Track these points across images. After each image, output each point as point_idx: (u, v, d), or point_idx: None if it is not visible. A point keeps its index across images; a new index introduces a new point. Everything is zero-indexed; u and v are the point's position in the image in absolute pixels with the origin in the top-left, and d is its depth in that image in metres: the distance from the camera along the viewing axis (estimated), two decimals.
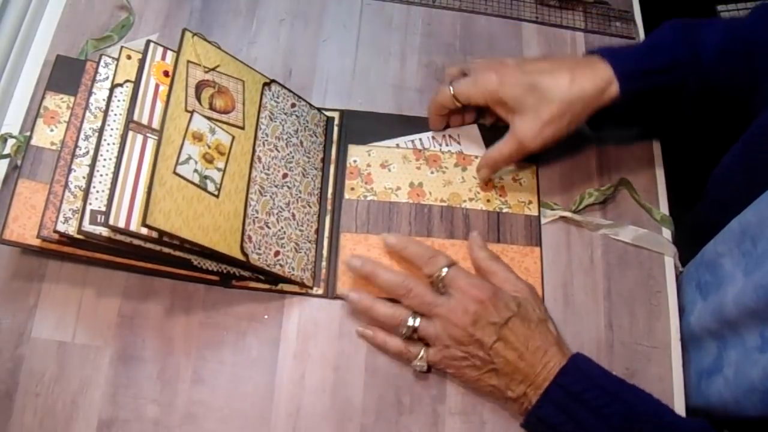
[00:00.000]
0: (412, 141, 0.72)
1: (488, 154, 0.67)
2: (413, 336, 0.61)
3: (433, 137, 0.72)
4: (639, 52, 0.64)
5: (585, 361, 0.58)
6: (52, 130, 0.65)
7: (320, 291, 0.65)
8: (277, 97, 0.69)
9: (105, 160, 0.59)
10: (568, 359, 0.58)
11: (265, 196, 0.63)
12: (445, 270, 0.61)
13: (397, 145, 0.71)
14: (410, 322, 0.60)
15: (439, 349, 0.60)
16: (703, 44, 0.63)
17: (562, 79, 0.62)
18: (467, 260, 0.66)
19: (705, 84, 0.63)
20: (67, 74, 0.67)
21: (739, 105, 0.65)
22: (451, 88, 0.67)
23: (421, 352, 0.60)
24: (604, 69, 0.62)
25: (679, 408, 0.62)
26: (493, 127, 0.72)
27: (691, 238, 0.70)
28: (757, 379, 0.55)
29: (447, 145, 0.72)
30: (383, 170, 0.70)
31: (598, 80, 0.62)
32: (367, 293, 0.63)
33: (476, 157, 0.71)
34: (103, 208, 0.57)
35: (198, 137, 0.60)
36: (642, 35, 0.81)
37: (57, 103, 0.66)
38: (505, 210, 0.69)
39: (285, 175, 0.66)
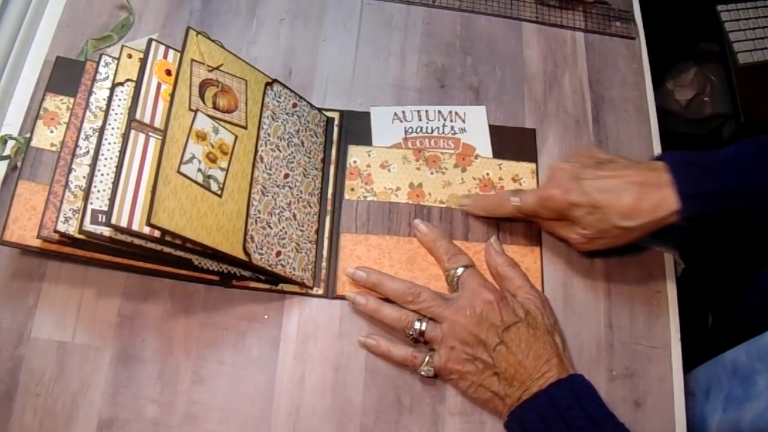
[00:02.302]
0: (418, 111, 0.73)
1: (542, 222, 0.66)
2: (420, 339, 0.61)
3: (438, 111, 0.73)
4: (709, 169, 0.59)
5: (582, 384, 0.58)
6: (51, 132, 0.65)
7: (320, 291, 0.65)
8: (279, 97, 0.69)
9: (106, 159, 0.59)
10: (567, 375, 0.58)
11: (267, 196, 0.63)
12: (461, 269, 0.63)
13: (399, 113, 0.73)
14: (417, 324, 0.61)
15: (444, 351, 0.60)
16: None
17: (625, 203, 0.58)
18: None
19: None
20: (66, 75, 0.67)
21: None
22: (516, 200, 0.64)
23: (427, 358, 0.61)
24: (669, 194, 0.58)
25: (679, 409, 0.63)
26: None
27: (721, 335, 0.68)
28: None
29: (452, 120, 0.72)
30: (383, 171, 0.70)
31: (662, 209, 0.58)
32: (373, 296, 0.64)
33: (476, 157, 0.71)
34: (104, 208, 0.56)
35: (201, 136, 0.60)
36: (642, 35, 0.81)
37: (57, 104, 0.66)
38: None
39: (286, 176, 0.66)
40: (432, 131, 0.73)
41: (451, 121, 0.73)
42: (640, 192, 0.58)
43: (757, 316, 0.63)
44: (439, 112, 0.74)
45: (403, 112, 0.74)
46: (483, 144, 0.72)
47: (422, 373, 0.61)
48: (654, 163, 0.61)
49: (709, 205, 0.58)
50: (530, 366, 0.57)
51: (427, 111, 0.74)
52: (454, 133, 0.73)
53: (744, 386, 0.62)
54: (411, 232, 0.67)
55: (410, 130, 0.73)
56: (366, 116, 0.73)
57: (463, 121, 0.73)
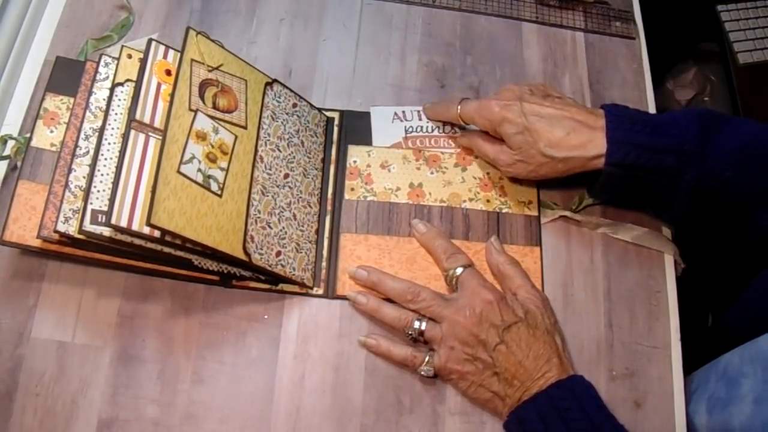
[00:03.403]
0: (418, 111, 0.74)
1: (474, 140, 0.69)
2: (419, 338, 0.61)
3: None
4: (645, 124, 0.61)
5: (582, 385, 0.58)
6: (51, 132, 0.65)
7: (320, 291, 0.65)
8: (279, 97, 0.69)
9: (106, 159, 0.59)
10: (567, 376, 0.58)
11: (267, 196, 0.63)
12: (460, 269, 0.63)
13: (399, 112, 0.74)
14: (417, 324, 0.61)
15: (444, 351, 0.60)
16: (719, 141, 0.59)
17: (555, 133, 0.62)
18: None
19: (704, 182, 0.59)
20: (67, 75, 0.67)
21: (738, 217, 0.61)
22: (459, 107, 0.68)
23: (427, 358, 0.61)
24: (600, 137, 0.61)
25: (679, 410, 0.63)
26: None
27: (715, 339, 0.68)
28: None
29: None
30: (383, 170, 0.70)
31: (589, 148, 0.61)
32: (373, 296, 0.64)
33: (476, 156, 0.71)
34: (104, 208, 0.56)
35: (201, 136, 0.60)
36: (642, 35, 0.81)
37: (57, 104, 0.66)
38: (504, 210, 0.69)
39: (286, 176, 0.66)
40: (432, 130, 0.73)
41: None
42: (573, 128, 0.61)
43: (754, 322, 0.63)
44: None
45: (404, 111, 0.74)
46: None
47: (422, 373, 0.61)
48: (596, 109, 0.64)
49: (634, 154, 0.59)
50: (530, 366, 0.57)
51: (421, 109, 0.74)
52: (455, 133, 0.73)
53: (728, 388, 0.63)
54: (411, 231, 0.67)
55: (410, 130, 0.73)
56: (366, 116, 0.73)
57: None
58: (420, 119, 0.73)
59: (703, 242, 0.65)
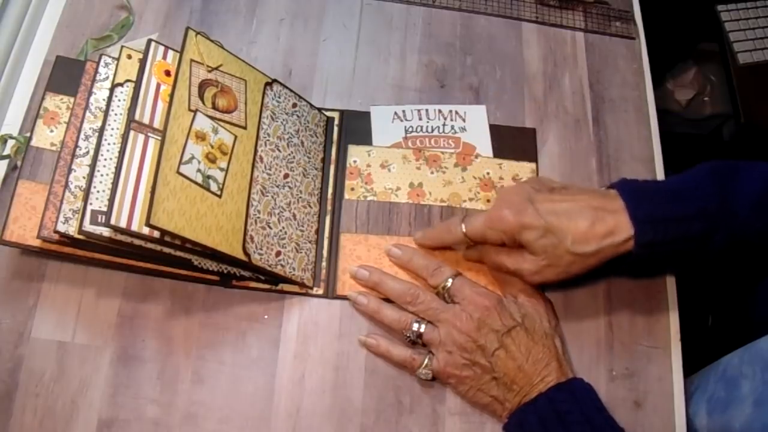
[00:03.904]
0: (418, 110, 0.73)
1: (488, 254, 0.63)
2: (418, 341, 0.61)
3: (439, 110, 0.73)
4: (662, 194, 0.58)
5: (582, 388, 0.58)
6: (51, 131, 0.65)
7: (320, 291, 0.65)
8: (279, 97, 0.69)
9: (105, 159, 0.59)
10: (567, 379, 0.58)
11: (267, 196, 0.63)
12: (450, 281, 0.62)
13: (399, 112, 0.73)
14: (415, 326, 0.61)
15: (442, 355, 0.60)
16: (738, 193, 0.56)
17: (580, 227, 0.57)
18: (467, 260, 0.66)
19: (735, 237, 0.57)
20: (67, 75, 0.67)
21: None
22: (463, 226, 0.62)
23: (426, 361, 0.61)
24: (624, 220, 0.56)
25: (679, 410, 0.63)
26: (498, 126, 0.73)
27: (715, 340, 0.68)
28: None
29: (452, 119, 0.72)
30: (383, 170, 0.70)
31: (617, 234, 0.56)
32: (374, 297, 0.64)
33: (476, 156, 0.71)
34: (104, 208, 0.56)
35: (201, 137, 0.60)
36: (642, 35, 0.81)
37: (57, 103, 0.66)
38: None
39: (286, 176, 0.66)
40: (432, 130, 0.73)
41: (452, 120, 0.73)
42: (595, 216, 0.57)
43: (754, 322, 0.63)
44: (440, 111, 0.74)
45: (404, 111, 0.74)
46: (483, 143, 0.72)
47: (420, 376, 0.61)
48: (607, 191, 0.60)
49: (662, 229, 0.56)
50: (530, 370, 0.57)
51: (427, 110, 0.74)
52: (455, 132, 0.73)
53: (728, 389, 0.62)
54: (411, 231, 0.67)
55: (410, 130, 0.73)
56: (366, 116, 0.73)
57: (464, 120, 0.73)
58: (420, 119, 0.73)
59: (663, 269, 0.64)
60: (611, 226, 0.56)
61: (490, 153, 0.72)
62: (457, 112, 0.74)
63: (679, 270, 0.68)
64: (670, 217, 0.56)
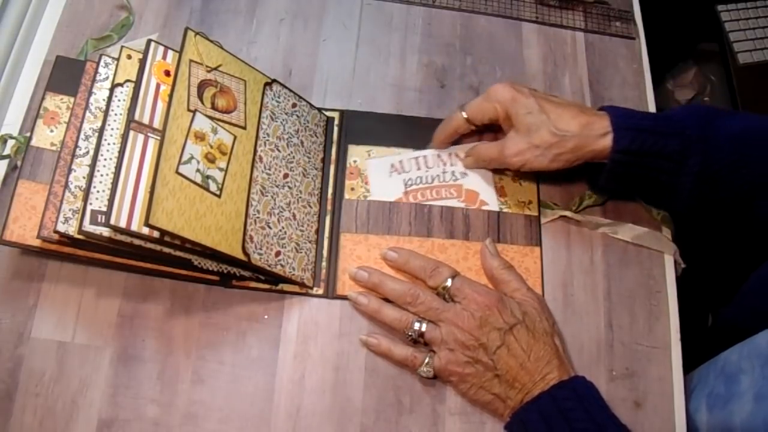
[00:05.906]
0: (416, 159, 0.70)
1: (476, 148, 0.69)
2: (419, 340, 0.61)
3: (438, 156, 0.70)
4: (646, 115, 0.63)
5: (585, 386, 0.58)
6: (52, 131, 0.65)
7: (320, 291, 0.65)
8: (279, 97, 0.69)
9: (105, 159, 0.59)
10: (569, 377, 0.58)
11: (267, 196, 0.63)
12: (449, 281, 0.62)
13: (396, 163, 0.70)
14: (417, 325, 0.61)
15: (444, 354, 0.60)
16: (720, 127, 0.61)
17: (566, 112, 0.63)
18: (467, 260, 0.66)
19: (709, 167, 0.61)
20: (67, 75, 0.67)
21: (739, 206, 0.63)
22: (464, 112, 0.67)
23: (427, 359, 0.61)
24: (605, 119, 0.62)
25: (679, 410, 0.63)
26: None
27: (720, 336, 0.68)
28: None
29: (452, 165, 0.71)
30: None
31: (597, 127, 0.62)
32: (374, 297, 0.64)
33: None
34: (104, 208, 0.57)
35: (200, 137, 0.60)
36: (642, 35, 0.81)
37: (57, 103, 0.66)
38: (504, 210, 0.69)
39: (286, 175, 0.66)
40: (432, 180, 0.70)
41: (451, 165, 0.70)
42: (581, 111, 0.63)
43: (753, 317, 0.63)
44: (438, 156, 0.71)
45: (401, 162, 0.70)
46: (485, 189, 0.70)
47: (421, 374, 0.61)
48: (598, 108, 0.66)
49: (639, 138, 0.61)
50: (531, 368, 0.57)
51: (425, 157, 0.70)
52: (456, 180, 0.70)
53: (727, 385, 0.62)
54: (411, 231, 0.67)
55: (410, 183, 0.70)
56: (366, 116, 0.73)
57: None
58: (419, 168, 0.70)
59: (704, 238, 0.65)
60: (593, 119, 0.62)
61: (494, 197, 0.70)
62: (457, 155, 0.71)
63: (652, 200, 0.69)
64: (649, 129, 0.61)
